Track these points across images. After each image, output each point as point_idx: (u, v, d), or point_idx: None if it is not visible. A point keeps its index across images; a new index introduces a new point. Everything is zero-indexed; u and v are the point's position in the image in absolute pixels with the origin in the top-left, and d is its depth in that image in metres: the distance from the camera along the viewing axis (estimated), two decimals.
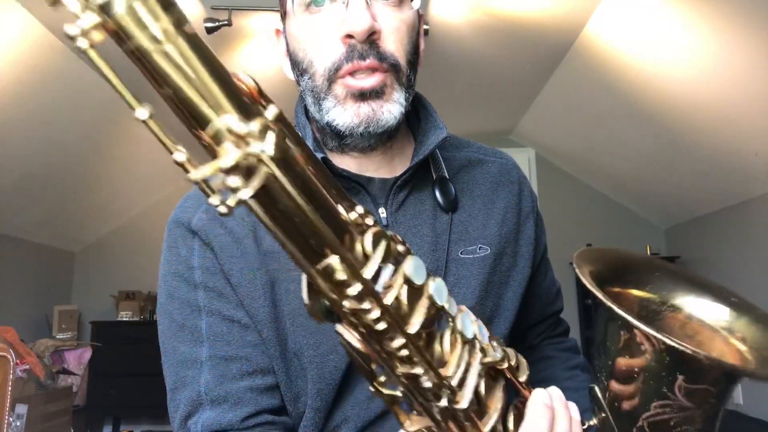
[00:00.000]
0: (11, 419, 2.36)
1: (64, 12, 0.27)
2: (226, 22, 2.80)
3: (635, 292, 0.61)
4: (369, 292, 0.35)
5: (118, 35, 0.27)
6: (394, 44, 0.64)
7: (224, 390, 0.62)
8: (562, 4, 2.88)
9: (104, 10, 0.26)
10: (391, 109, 0.64)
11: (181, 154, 0.30)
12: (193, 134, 0.30)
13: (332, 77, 0.64)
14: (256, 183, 0.29)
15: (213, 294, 0.65)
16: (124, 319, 4.65)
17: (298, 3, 0.65)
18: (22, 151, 3.50)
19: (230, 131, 0.29)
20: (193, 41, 0.28)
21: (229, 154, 0.28)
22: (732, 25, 2.55)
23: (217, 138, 0.29)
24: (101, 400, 4.30)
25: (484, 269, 0.71)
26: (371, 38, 0.62)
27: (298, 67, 0.68)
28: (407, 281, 0.38)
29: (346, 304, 0.36)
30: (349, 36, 0.62)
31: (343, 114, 0.64)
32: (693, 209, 4.30)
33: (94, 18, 0.26)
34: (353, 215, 0.38)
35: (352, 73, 0.63)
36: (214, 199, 0.29)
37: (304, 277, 0.37)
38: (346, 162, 0.71)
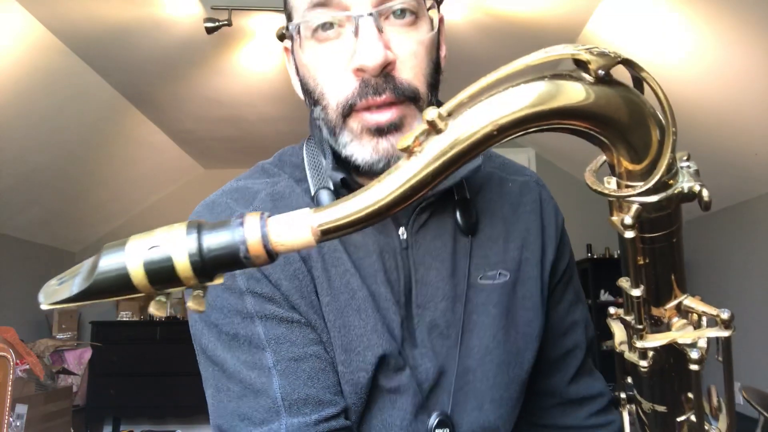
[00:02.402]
0: (11, 419, 2.36)
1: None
2: (226, 22, 2.80)
3: None
4: None
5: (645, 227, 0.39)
6: (411, 71, 0.59)
7: (303, 393, 0.59)
8: (562, 4, 2.88)
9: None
10: None
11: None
12: (641, 301, 0.42)
13: (347, 113, 0.60)
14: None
15: (262, 299, 0.61)
16: (124, 319, 4.65)
17: (305, 28, 0.61)
18: (22, 152, 3.50)
19: (690, 312, 0.41)
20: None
21: (689, 332, 0.41)
22: (732, 25, 2.55)
23: (671, 313, 0.42)
24: (101, 400, 4.30)
25: (504, 296, 0.68)
26: (386, 70, 0.57)
27: (309, 95, 0.64)
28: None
29: None
30: (362, 70, 0.57)
31: (362, 150, 0.60)
32: (693, 209, 4.29)
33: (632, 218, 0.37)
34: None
35: (367, 107, 0.59)
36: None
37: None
38: (366, 180, 0.66)
